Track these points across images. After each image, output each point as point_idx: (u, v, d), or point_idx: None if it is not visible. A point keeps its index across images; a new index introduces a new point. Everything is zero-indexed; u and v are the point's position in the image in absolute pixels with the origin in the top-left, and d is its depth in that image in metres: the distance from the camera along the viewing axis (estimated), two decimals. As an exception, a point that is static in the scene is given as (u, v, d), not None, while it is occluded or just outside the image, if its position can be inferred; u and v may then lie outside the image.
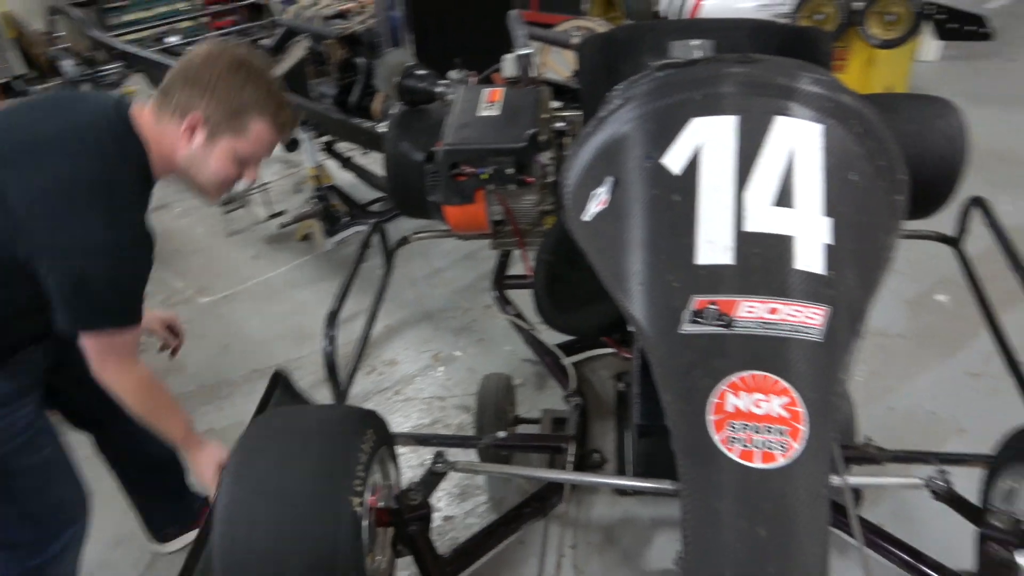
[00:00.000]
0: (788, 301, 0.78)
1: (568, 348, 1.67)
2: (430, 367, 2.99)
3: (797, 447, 0.73)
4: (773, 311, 0.78)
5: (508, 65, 1.82)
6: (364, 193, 3.90)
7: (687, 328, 0.79)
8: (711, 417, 0.74)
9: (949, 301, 3.04)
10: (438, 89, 1.86)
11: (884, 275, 0.90)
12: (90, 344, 1.37)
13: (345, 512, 0.92)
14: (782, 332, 0.77)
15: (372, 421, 1.06)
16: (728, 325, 0.78)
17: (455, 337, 3.13)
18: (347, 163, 3.67)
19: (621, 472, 1.26)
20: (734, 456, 0.73)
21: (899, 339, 2.89)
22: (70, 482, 1.56)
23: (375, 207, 3.51)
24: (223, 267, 3.73)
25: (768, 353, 0.76)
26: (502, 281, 1.87)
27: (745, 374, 0.75)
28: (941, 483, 1.11)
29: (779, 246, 0.82)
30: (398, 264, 1.80)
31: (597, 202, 0.96)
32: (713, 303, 0.79)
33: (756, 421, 0.73)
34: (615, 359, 1.59)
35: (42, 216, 1.26)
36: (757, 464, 0.72)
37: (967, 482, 1.15)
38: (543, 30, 1.79)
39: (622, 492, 1.25)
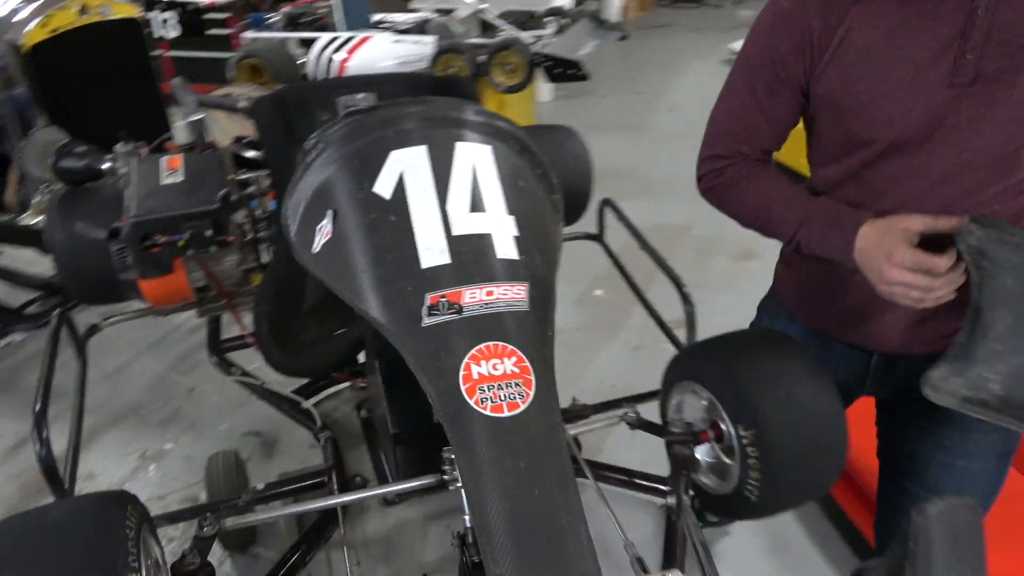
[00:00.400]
0: (498, 283, 0.97)
1: (304, 392, 1.70)
2: (139, 468, 2.75)
3: (531, 393, 0.91)
4: (489, 293, 0.96)
5: (181, 132, 1.81)
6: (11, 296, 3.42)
7: (427, 321, 0.94)
8: (463, 386, 0.89)
9: (604, 293, 3.63)
10: (104, 165, 1.77)
11: (558, 256, 1.14)
12: None
13: None
14: (500, 308, 0.96)
15: (127, 499, 1.02)
16: (459, 311, 0.94)
17: (162, 430, 2.91)
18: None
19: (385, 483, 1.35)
20: (488, 412, 0.88)
21: (576, 332, 3.39)
22: None
23: (32, 308, 3.10)
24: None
25: (494, 326, 0.94)
26: (218, 346, 1.83)
27: (481, 346, 0.92)
28: (632, 415, 1.40)
29: (482, 242, 1.00)
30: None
31: (322, 234, 1.06)
32: (443, 296, 0.95)
33: (497, 381, 0.90)
34: (351, 392, 1.67)
35: None
36: (507, 413, 0.89)
37: (650, 414, 1.47)
38: (211, 96, 1.81)
39: (389, 502, 1.33)
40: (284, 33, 5.20)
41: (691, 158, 1.38)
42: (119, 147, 1.79)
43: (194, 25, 5.26)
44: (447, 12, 5.50)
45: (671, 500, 1.20)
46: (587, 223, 2.08)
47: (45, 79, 2.79)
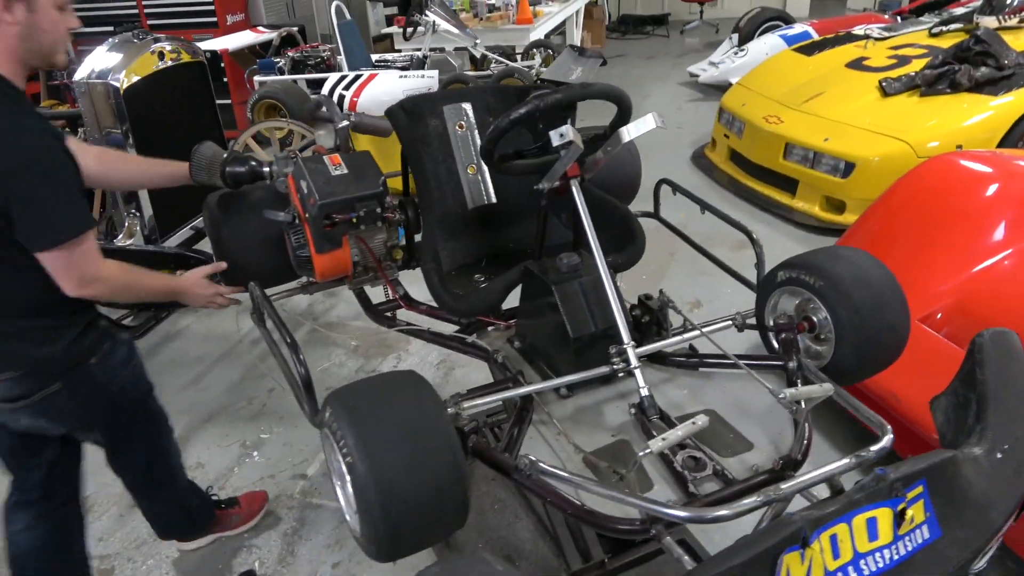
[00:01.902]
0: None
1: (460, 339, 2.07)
2: (243, 456, 3.02)
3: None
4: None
5: (324, 139, 2.18)
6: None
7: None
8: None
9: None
10: (265, 169, 2.13)
11: None
12: (56, 265, 1.45)
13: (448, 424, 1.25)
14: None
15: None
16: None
17: (254, 423, 3.20)
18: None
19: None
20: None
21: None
22: None
23: (128, 321, 3.38)
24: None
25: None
26: (374, 309, 2.18)
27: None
28: (740, 319, 1.82)
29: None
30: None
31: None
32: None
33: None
34: (496, 332, 2.04)
35: None
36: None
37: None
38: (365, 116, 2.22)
39: (564, 396, 1.71)
40: (294, 75, 5.58)
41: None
42: (277, 153, 2.16)
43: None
44: (439, 50, 5.97)
45: (791, 364, 1.60)
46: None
47: (135, 118, 3.11)
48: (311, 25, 7.94)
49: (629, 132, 1.51)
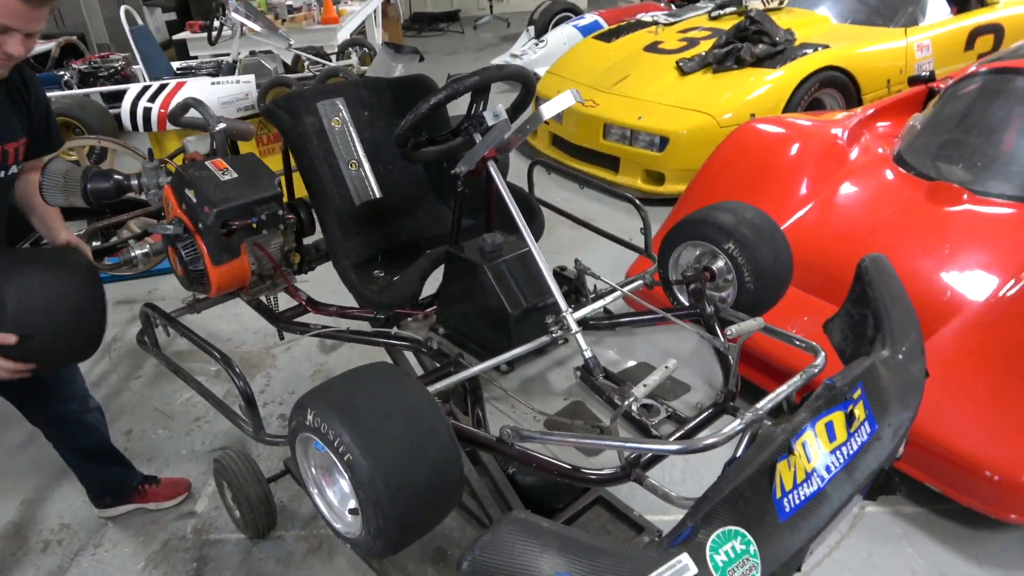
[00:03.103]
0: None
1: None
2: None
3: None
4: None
5: (197, 144, 2.02)
6: None
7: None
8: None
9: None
10: (133, 182, 1.94)
11: None
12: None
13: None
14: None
15: None
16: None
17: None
18: None
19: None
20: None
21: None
22: None
23: None
24: None
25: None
26: (279, 317, 2.07)
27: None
28: (649, 279, 1.96)
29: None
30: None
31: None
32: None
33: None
34: (416, 322, 2.02)
35: None
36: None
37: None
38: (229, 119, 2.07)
39: (504, 372, 1.74)
40: (85, 89, 5.03)
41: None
42: (145, 163, 1.97)
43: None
44: (251, 54, 5.67)
45: (709, 310, 1.76)
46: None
47: None
48: (86, 35, 7.17)
49: (549, 109, 1.58)
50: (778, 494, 1.16)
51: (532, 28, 8.55)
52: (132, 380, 3.48)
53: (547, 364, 1.76)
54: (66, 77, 5.05)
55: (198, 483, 2.77)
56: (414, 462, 1.18)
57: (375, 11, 8.58)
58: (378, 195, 2.29)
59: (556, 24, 8.54)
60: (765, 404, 1.32)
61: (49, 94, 5.22)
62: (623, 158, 5.16)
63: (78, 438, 2.35)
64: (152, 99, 4.71)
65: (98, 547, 2.53)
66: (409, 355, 2.07)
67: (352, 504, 1.25)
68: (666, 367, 1.38)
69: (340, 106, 2.30)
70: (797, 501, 1.19)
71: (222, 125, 2.00)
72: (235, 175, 1.88)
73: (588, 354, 1.61)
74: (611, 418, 1.41)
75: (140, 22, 5.04)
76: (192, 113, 2.07)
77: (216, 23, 5.16)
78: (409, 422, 1.21)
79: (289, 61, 5.81)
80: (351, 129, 2.29)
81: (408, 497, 1.17)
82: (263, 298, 2.14)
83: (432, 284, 1.99)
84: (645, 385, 1.33)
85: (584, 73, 5.84)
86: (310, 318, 2.12)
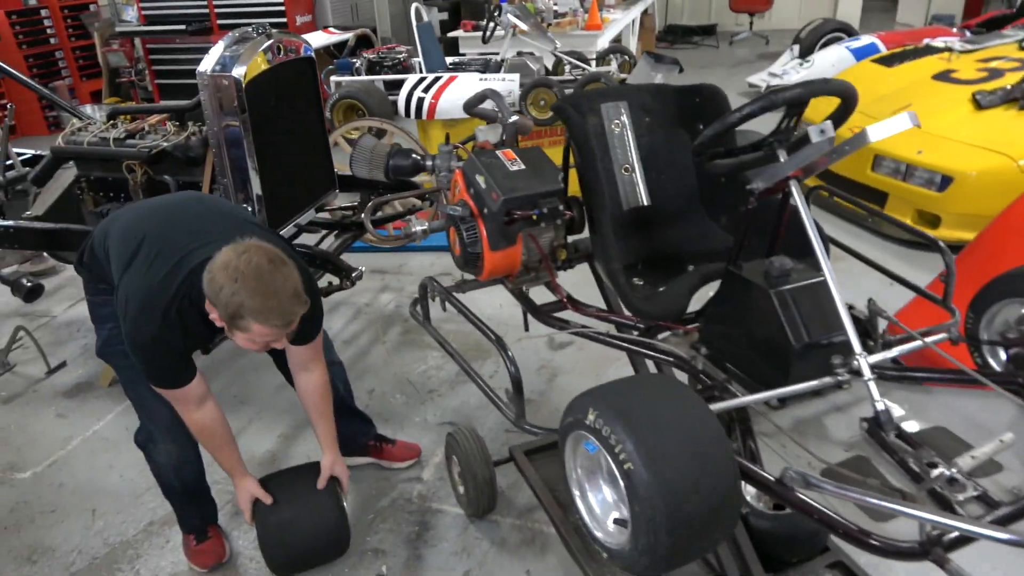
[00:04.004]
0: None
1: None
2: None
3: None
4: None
5: (490, 134, 2.12)
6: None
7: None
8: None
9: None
10: (428, 163, 2.07)
11: None
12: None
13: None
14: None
15: None
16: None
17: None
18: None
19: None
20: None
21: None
22: None
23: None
24: (21, 438, 3.20)
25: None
26: (539, 310, 2.11)
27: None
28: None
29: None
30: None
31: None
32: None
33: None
34: (676, 337, 1.96)
35: None
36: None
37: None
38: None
39: (774, 407, 1.63)
40: (372, 76, 5.55)
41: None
42: (442, 146, 2.10)
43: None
44: (519, 54, 5.90)
45: None
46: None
47: (251, 112, 3.07)
48: (376, 28, 7.94)
49: (877, 132, 1.43)
50: None
51: (797, 47, 8.08)
52: (377, 344, 3.76)
53: (824, 407, 1.60)
54: (357, 64, 5.61)
55: (426, 452, 2.92)
56: (696, 485, 1.11)
57: (633, 20, 8.60)
58: (647, 203, 2.25)
59: (824, 45, 8.00)
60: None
61: (341, 79, 5.87)
62: (892, 194, 4.68)
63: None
64: (426, 90, 5.08)
65: (334, 491, 2.75)
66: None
67: (617, 515, 1.21)
68: (1001, 440, 1.18)
69: (623, 109, 2.29)
70: None
71: (515, 118, 2.07)
72: (523, 166, 1.93)
73: (880, 406, 1.44)
74: (921, 486, 1.24)
75: (426, 18, 5.45)
76: (486, 104, 2.16)
77: (490, 23, 5.45)
78: (695, 443, 1.14)
79: (551, 64, 5.97)
80: (629, 133, 2.27)
81: (685, 520, 1.10)
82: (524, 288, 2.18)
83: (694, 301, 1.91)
84: (973, 457, 1.15)
85: (859, 98, 5.39)
86: (566, 315, 2.13)
